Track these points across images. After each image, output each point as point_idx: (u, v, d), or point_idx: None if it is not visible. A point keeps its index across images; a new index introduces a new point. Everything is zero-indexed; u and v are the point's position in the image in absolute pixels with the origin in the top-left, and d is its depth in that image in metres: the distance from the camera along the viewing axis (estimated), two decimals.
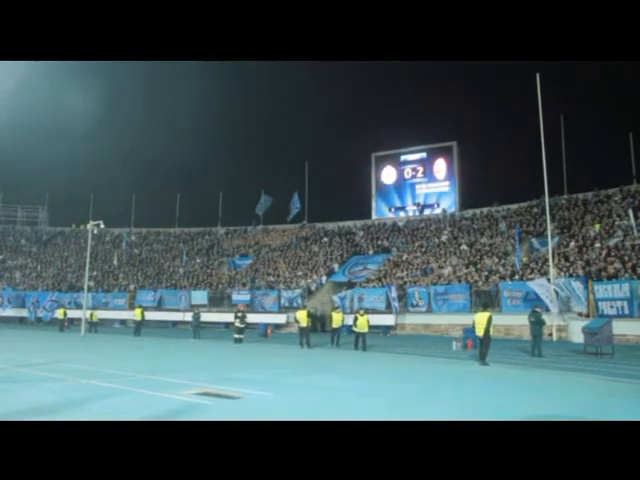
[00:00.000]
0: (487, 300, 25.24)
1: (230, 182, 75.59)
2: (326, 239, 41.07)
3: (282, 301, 32.82)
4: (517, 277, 26.22)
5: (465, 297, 26.71)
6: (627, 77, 50.34)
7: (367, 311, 20.28)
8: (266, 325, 27.29)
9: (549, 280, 23.33)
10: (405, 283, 30.10)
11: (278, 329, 30.65)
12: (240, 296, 34.33)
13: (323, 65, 59.12)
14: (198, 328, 24.86)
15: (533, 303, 20.79)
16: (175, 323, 35.49)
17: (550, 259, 24.14)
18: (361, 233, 40.84)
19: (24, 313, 38.22)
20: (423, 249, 34.48)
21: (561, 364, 13.84)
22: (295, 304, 31.03)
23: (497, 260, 29.20)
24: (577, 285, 22.81)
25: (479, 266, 29.15)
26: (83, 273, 34.81)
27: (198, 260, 43.92)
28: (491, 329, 13.45)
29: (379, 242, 38.16)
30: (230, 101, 74.39)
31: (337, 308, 23.04)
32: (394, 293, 27.88)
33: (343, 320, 20.69)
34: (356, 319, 18.31)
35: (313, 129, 72.37)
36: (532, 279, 24.60)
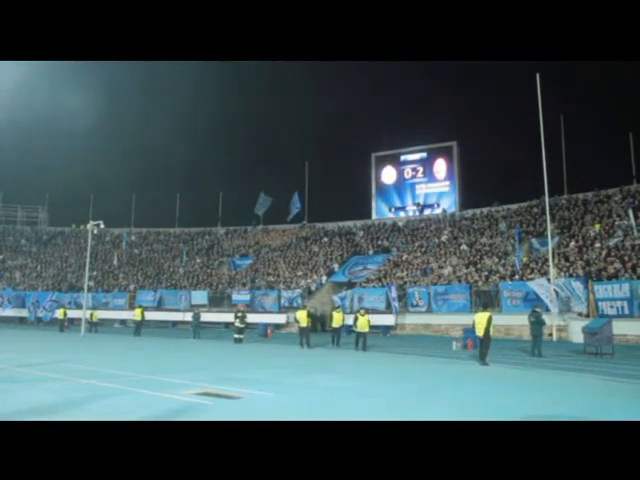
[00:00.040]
0: (487, 300, 25.24)
1: (230, 182, 75.57)
2: (326, 239, 41.07)
3: (282, 301, 32.82)
4: (517, 277, 26.22)
5: (465, 297, 26.71)
6: (627, 77, 50.39)
7: (367, 311, 20.21)
8: (266, 325, 27.28)
9: (549, 280, 23.32)
10: (405, 283, 30.10)
11: (278, 329, 30.64)
12: (240, 296, 34.33)
13: (323, 65, 59.22)
14: (198, 328, 24.86)
15: (533, 303, 20.79)
16: (175, 323, 35.49)
17: (550, 259, 24.13)
18: (361, 233, 40.83)
19: (24, 313, 38.23)
20: (423, 249, 34.47)
21: (561, 364, 13.83)
22: (295, 304, 31.02)
23: (497, 260, 29.19)
24: (577, 285, 22.82)
25: (479, 266, 29.14)
26: (83, 273, 34.80)
27: (198, 260, 43.92)
28: (491, 329, 13.45)
29: (379, 242, 38.15)
30: (230, 101, 74.40)
31: (338, 308, 22.89)
32: (394, 293, 27.87)
33: (344, 320, 20.67)
34: (356, 319, 18.26)
35: (313, 129, 72.39)
36: (532, 279, 24.60)
